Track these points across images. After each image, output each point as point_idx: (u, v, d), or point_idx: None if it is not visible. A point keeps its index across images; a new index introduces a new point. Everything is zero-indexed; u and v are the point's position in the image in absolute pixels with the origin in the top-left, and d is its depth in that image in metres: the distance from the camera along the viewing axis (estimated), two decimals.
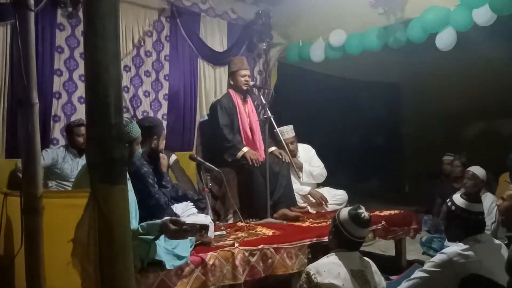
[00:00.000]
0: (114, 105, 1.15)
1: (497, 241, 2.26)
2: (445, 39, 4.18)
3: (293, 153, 4.25)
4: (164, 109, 4.89)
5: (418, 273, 2.14)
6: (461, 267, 2.01)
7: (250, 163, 3.67)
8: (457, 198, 2.22)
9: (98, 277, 1.14)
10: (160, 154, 3.07)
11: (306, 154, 4.47)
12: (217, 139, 3.84)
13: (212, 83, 5.30)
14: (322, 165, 4.45)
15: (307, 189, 4.19)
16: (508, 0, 3.60)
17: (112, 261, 1.13)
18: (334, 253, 2.13)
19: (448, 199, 2.27)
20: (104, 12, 1.12)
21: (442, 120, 7.40)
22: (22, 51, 1.45)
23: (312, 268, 2.05)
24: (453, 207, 2.20)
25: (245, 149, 3.73)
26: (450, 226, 2.24)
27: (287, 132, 4.25)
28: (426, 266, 2.13)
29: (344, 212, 2.17)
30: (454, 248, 2.11)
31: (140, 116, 4.58)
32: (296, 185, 4.12)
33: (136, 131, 2.35)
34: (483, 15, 3.80)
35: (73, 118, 4.14)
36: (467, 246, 2.09)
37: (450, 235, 2.29)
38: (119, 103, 1.19)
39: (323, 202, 4.12)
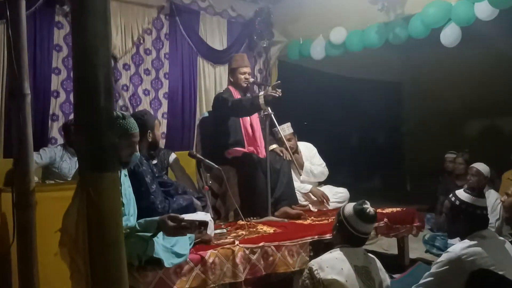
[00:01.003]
0: (103, 88, 1.09)
1: (500, 237, 2.22)
2: (449, 35, 4.14)
3: (292, 150, 4.19)
4: (164, 107, 4.86)
5: (427, 277, 2.10)
6: (470, 264, 1.97)
7: (278, 95, 3.44)
8: (461, 193, 2.17)
9: (88, 269, 1.09)
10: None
11: (308, 152, 4.44)
12: (230, 113, 3.74)
13: (212, 81, 5.27)
14: (324, 164, 4.42)
15: (309, 187, 4.15)
16: None
17: (103, 253, 1.08)
18: (338, 249, 2.08)
19: (451, 195, 2.22)
20: None
21: (444, 117, 7.36)
22: (13, 41, 1.41)
23: (314, 263, 2.00)
24: (457, 202, 2.15)
25: (261, 93, 3.57)
26: (454, 222, 2.18)
27: (283, 129, 4.20)
28: (435, 268, 2.08)
29: (349, 207, 2.13)
30: (461, 245, 2.06)
31: None
32: (297, 183, 4.08)
33: (134, 127, 2.29)
34: (485, 9, 3.76)
35: (71, 117, 4.10)
36: (474, 242, 2.04)
37: (453, 231, 2.25)
38: (109, 87, 1.13)
39: (325, 200, 4.07)
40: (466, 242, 2.05)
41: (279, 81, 3.56)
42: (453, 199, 2.18)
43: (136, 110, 4.60)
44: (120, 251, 1.10)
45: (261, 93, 3.57)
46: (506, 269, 1.90)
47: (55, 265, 1.41)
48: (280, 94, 3.44)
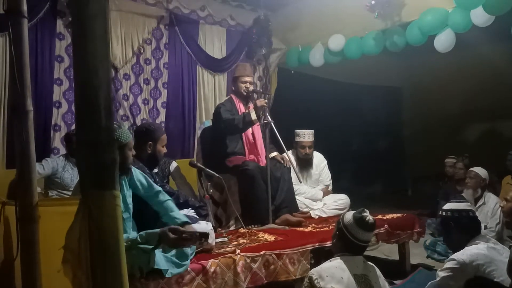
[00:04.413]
0: (104, 108, 1.13)
1: (498, 244, 2.26)
2: (443, 41, 4.18)
3: (308, 157, 4.34)
4: (162, 116, 4.91)
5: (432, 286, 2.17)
6: (473, 269, 2.03)
7: (262, 112, 3.63)
8: (446, 205, 2.35)
9: (90, 285, 1.11)
10: None
11: (319, 162, 4.51)
12: (223, 133, 3.84)
13: (211, 90, 5.31)
14: (330, 177, 4.50)
15: (320, 194, 4.29)
16: (501, 1, 3.59)
17: (105, 269, 1.10)
18: (337, 257, 2.10)
19: (439, 212, 2.37)
20: (93, 13, 1.11)
21: (444, 122, 7.38)
22: (16, 58, 1.44)
23: (314, 272, 2.02)
24: (443, 213, 2.32)
25: (251, 110, 3.69)
26: (449, 234, 2.30)
27: (308, 135, 4.34)
28: (440, 275, 2.14)
29: (349, 216, 2.15)
30: (461, 252, 2.12)
31: (139, 124, 4.59)
32: (310, 190, 4.24)
33: (125, 136, 2.31)
34: (481, 16, 3.79)
35: (73, 127, 4.14)
36: (474, 249, 2.10)
37: (452, 244, 2.31)
38: (109, 106, 1.17)
39: None
40: (468, 249, 2.11)
41: (265, 100, 3.74)
42: (440, 213, 2.34)
43: (136, 119, 4.65)
44: (121, 267, 1.13)
45: (251, 110, 3.69)
46: (504, 274, 1.93)
47: (59, 280, 1.44)
48: (266, 103, 3.65)
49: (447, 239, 2.32)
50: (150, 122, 4.34)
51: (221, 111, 3.82)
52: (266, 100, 3.76)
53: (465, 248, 2.14)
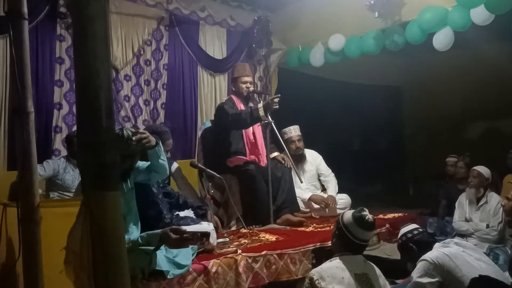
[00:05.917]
0: (104, 109, 1.14)
1: (463, 241, 2.44)
2: (442, 39, 4.18)
3: (300, 151, 4.31)
4: (162, 118, 4.90)
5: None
6: (442, 267, 2.14)
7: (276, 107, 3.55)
8: (399, 233, 2.60)
9: (92, 285, 1.12)
10: None
11: (313, 159, 4.48)
12: (226, 130, 3.85)
13: (212, 90, 5.31)
14: (330, 170, 4.46)
15: (308, 195, 4.17)
16: (503, 0, 3.59)
17: (106, 270, 1.11)
18: (337, 257, 2.10)
19: (396, 242, 2.65)
20: (93, 14, 1.12)
21: (444, 120, 7.37)
22: (17, 60, 1.45)
23: (315, 273, 2.02)
24: (400, 240, 2.56)
25: (260, 104, 3.64)
26: (412, 255, 2.45)
27: (294, 130, 4.34)
28: (414, 276, 2.23)
29: (348, 215, 2.15)
30: (431, 251, 2.27)
31: (141, 125, 4.60)
32: (298, 190, 4.10)
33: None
34: (481, 15, 3.80)
35: (74, 129, 4.14)
36: (439, 247, 2.27)
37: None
38: (110, 107, 1.18)
39: (325, 205, 4.07)
40: (435, 249, 2.28)
41: (279, 95, 3.63)
42: (397, 243, 2.59)
43: (138, 120, 4.66)
44: (123, 267, 1.13)
45: (260, 104, 3.63)
46: (467, 269, 2.08)
47: (61, 280, 1.44)
48: (277, 107, 3.56)
49: (415, 260, 2.41)
50: (159, 125, 4.35)
51: (225, 107, 3.82)
52: (277, 98, 3.60)
53: (432, 250, 2.27)
